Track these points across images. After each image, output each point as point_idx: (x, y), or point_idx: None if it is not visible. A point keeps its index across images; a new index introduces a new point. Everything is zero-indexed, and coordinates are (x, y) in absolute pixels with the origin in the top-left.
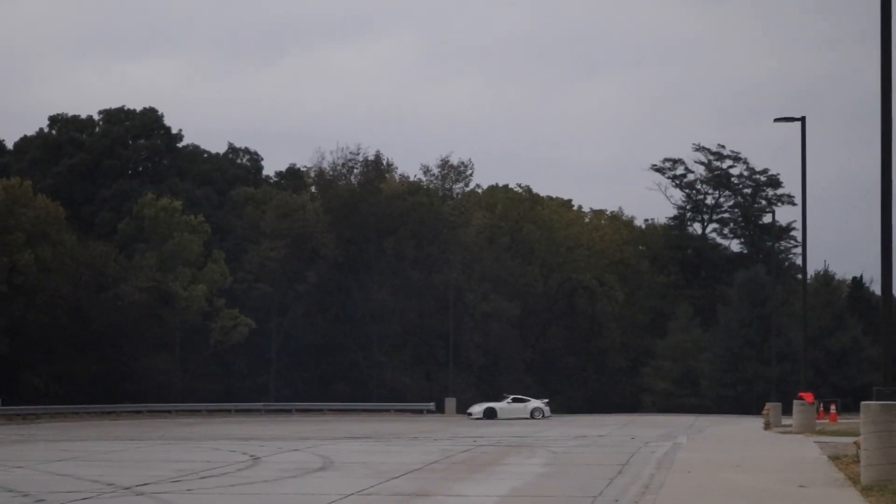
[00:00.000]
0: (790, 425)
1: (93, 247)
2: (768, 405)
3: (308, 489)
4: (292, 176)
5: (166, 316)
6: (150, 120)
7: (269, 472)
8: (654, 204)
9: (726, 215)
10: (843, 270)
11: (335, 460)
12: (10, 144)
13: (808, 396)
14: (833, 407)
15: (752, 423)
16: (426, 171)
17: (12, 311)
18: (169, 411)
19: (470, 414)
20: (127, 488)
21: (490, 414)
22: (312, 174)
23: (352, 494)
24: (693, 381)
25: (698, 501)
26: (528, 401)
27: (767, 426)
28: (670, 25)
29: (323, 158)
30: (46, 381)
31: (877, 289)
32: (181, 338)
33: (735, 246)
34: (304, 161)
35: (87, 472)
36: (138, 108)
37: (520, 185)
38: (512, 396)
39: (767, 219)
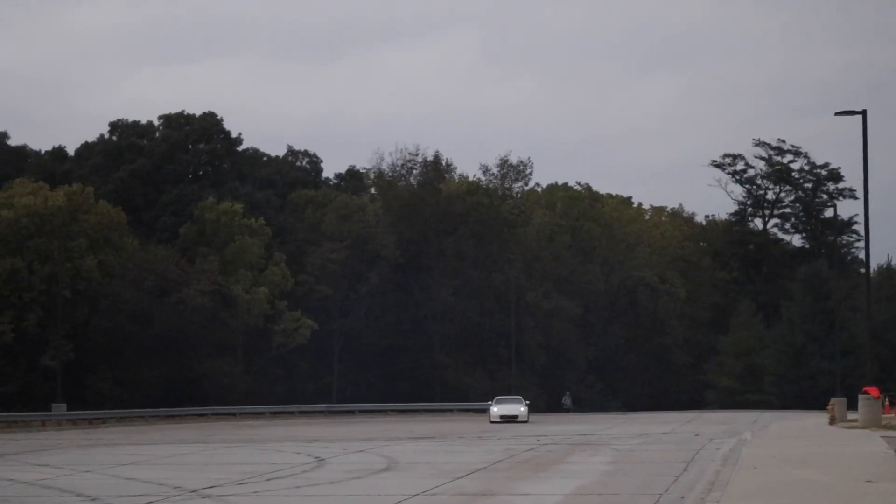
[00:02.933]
0: (856, 420)
1: (155, 251)
2: (833, 400)
3: (373, 490)
4: (352, 178)
5: (228, 319)
6: (209, 124)
7: (334, 474)
8: (714, 200)
9: (788, 210)
10: None
11: (399, 461)
12: (71, 151)
13: (874, 391)
14: None
15: (817, 419)
16: (485, 170)
17: (76, 317)
18: (233, 414)
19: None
20: (193, 491)
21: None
22: (372, 176)
23: (417, 495)
24: (756, 377)
25: (765, 498)
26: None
27: (832, 421)
28: (729, 20)
29: (382, 160)
30: (111, 385)
31: None
32: (244, 341)
33: (797, 241)
34: (363, 163)
35: (153, 476)
36: (198, 113)
37: (579, 183)
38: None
39: (829, 213)
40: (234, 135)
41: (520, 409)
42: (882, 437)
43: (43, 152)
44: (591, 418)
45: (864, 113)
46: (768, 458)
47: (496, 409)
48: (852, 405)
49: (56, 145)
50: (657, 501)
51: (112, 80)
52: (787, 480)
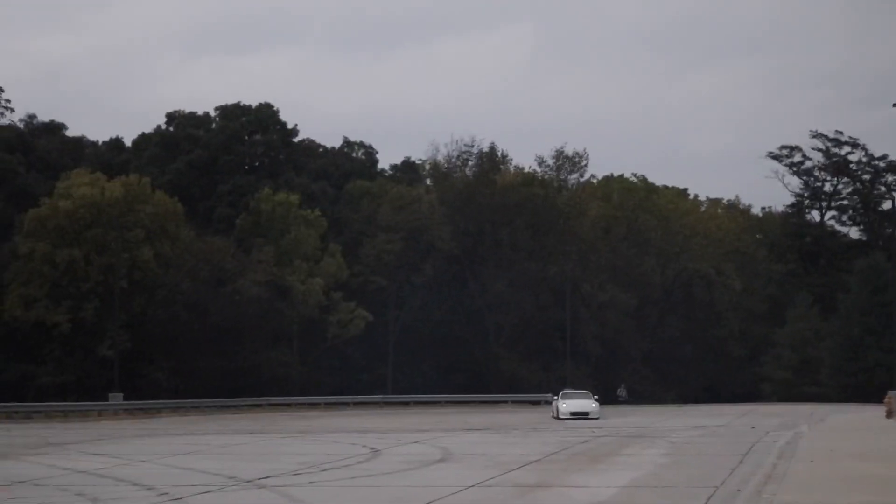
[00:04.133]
0: None
1: (211, 242)
2: (890, 394)
3: (429, 481)
4: (407, 169)
5: (284, 310)
6: (265, 115)
7: (390, 465)
8: (771, 192)
9: (845, 202)
10: None
11: (454, 452)
12: (128, 142)
13: None
14: None
15: (874, 412)
16: (541, 162)
17: (133, 307)
18: (288, 404)
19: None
20: (249, 481)
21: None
22: (427, 167)
23: (473, 486)
24: (813, 369)
25: (822, 490)
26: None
27: (890, 415)
28: (788, 10)
29: (438, 151)
30: (167, 375)
31: None
32: (299, 331)
33: (854, 233)
34: (418, 154)
35: (209, 466)
36: (254, 104)
37: (635, 175)
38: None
39: (887, 205)
40: (289, 126)
41: (591, 405)
42: None
43: (100, 143)
44: (645, 410)
45: None
46: (825, 452)
47: (565, 406)
48: None
49: (113, 136)
50: (714, 494)
51: (169, 72)
52: (845, 474)
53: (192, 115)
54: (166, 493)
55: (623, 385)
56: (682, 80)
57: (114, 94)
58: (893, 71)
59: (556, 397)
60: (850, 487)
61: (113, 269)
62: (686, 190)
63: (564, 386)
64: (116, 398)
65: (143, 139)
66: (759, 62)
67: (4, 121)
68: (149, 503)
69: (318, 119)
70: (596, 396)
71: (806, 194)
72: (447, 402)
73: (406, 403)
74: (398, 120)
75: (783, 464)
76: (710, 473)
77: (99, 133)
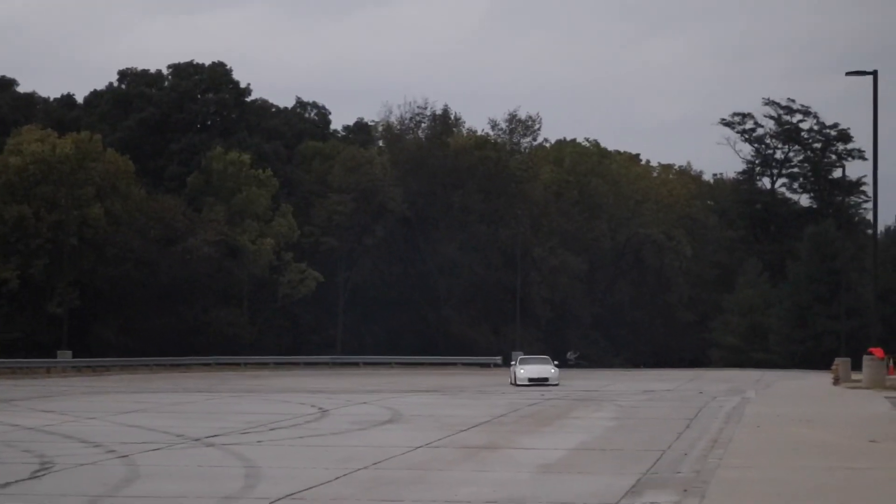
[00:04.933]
0: (860, 381)
1: (162, 200)
2: (837, 361)
3: (377, 441)
4: (360, 130)
5: (234, 269)
6: (218, 74)
7: (338, 425)
8: (723, 158)
9: (796, 170)
10: None
11: (403, 413)
12: (80, 99)
13: (879, 352)
14: None
15: (821, 379)
16: (494, 125)
17: (82, 265)
18: (237, 364)
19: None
20: (197, 439)
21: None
22: (380, 128)
23: (420, 447)
24: (761, 336)
25: (767, 456)
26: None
27: (836, 382)
28: None
29: (391, 113)
30: (116, 333)
31: None
32: (249, 291)
33: (804, 201)
34: (371, 115)
35: (157, 424)
36: (207, 63)
37: (588, 140)
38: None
39: (837, 173)
40: (242, 85)
41: (550, 370)
42: (886, 397)
43: (52, 99)
44: (595, 374)
45: (875, 74)
46: (771, 417)
47: (523, 371)
48: (856, 366)
49: (65, 93)
50: (660, 458)
51: (122, 29)
52: (790, 439)
53: (145, 72)
54: (114, 451)
55: (573, 349)
56: (637, 46)
57: (66, 51)
58: (848, 40)
59: (513, 363)
60: (795, 452)
61: (63, 226)
62: (638, 155)
63: (514, 349)
64: (65, 355)
65: (94, 96)
66: (716, 30)
67: None
68: (96, 460)
69: (272, 79)
70: (556, 362)
71: (757, 161)
72: (397, 363)
73: (356, 364)
74: (351, 81)
75: (730, 429)
76: (657, 437)
77: (50, 89)
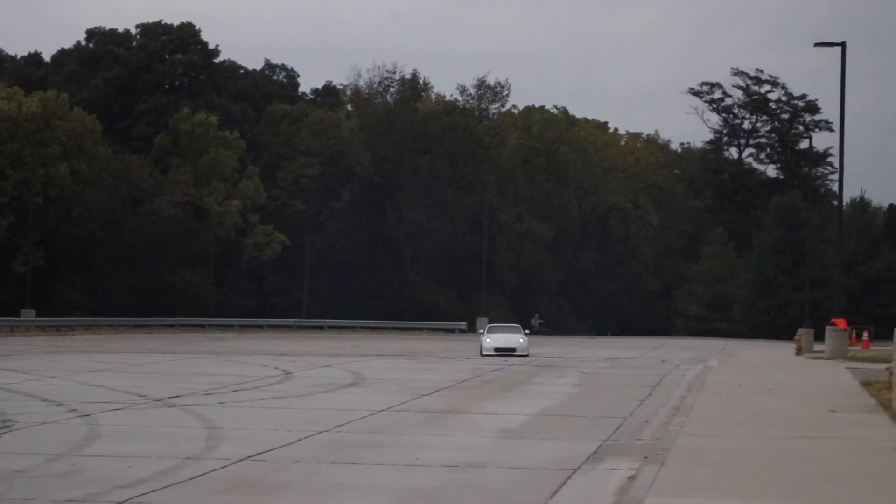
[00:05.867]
0: (822, 351)
1: (128, 161)
2: (801, 331)
3: (339, 404)
4: (328, 93)
5: (200, 231)
6: (187, 34)
7: (301, 387)
8: (690, 128)
9: (763, 140)
10: (880, 197)
11: (366, 377)
12: (47, 57)
13: (841, 323)
14: (866, 334)
15: (784, 349)
16: (462, 90)
17: (48, 224)
18: (202, 325)
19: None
20: (159, 400)
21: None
22: (349, 92)
23: (382, 410)
24: (725, 305)
25: (728, 424)
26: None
27: (799, 352)
28: None
29: (359, 76)
30: (81, 293)
31: None
32: (215, 253)
33: (771, 171)
34: (340, 79)
35: (119, 384)
36: (175, 23)
37: (556, 107)
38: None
39: (804, 144)
40: (211, 46)
41: (518, 340)
42: (847, 368)
43: (19, 57)
44: (559, 341)
45: (843, 45)
46: (733, 386)
47: (490, 341)
48: (820, 336)
49: (32, 51)
50: (622, 424)
51: None
52: (752, 408)
53: (113, 31)
54: (76, 410)
55: (537, 315)
56: (607, 14)
57: (34, 9)
58: (817, 12)
59: (481, 331)
60: (756, 421)
61: (28, 184)
62: (606, 124)
63: (480, 315)
64: (29, 314)
65: (62, 55)
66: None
67: None
68: (58, 419)
69: (240, 40)
70: (526, 331)
71: (725, 131)
72: (362, 327)
73: (320, 328)
74: (320, 44)
75: (692, 396)
76: (619, 404)
77: (17, 47)
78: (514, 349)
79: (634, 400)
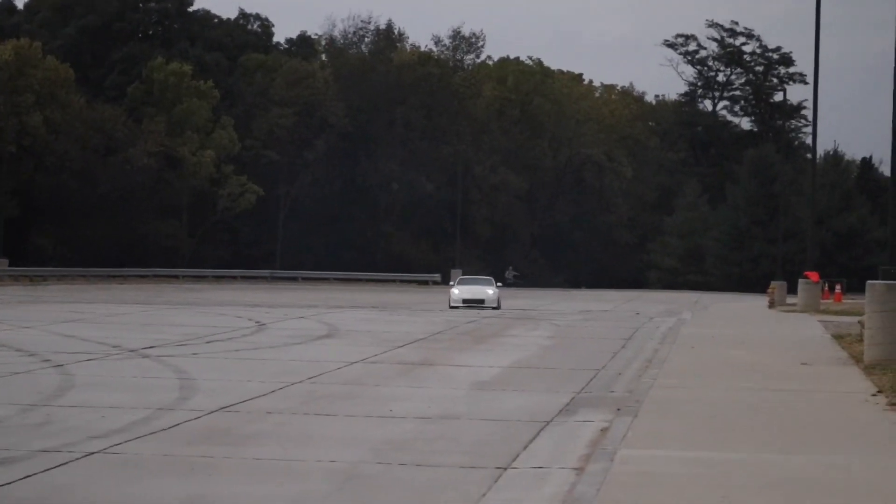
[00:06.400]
0: (795, 304)
1: (102, 110)
2: (773, 284)
3: (313, 356)
4: (303, 43)
5: (174, 181)
6: None
7: (275, 339)
8: (665, 80)
9: (737, 93)
10: (853, 151)
11: (340, 328)
12: (20, 4)
13: (814, 275)
14: (838, 287)
15: (757, 302)
16: (437, 41)
17: (21, 173)
18: (176, 276)
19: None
20: (132, 350)
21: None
22: (323, 42)
23: (356, 362)
24: (699, 258)
25: (701, 377)
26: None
27: (772, 305)
28: None
29: (334, 26)
30: (54, 242)
31: (886, 170)
32: (189, 203)
33: (745, 124)
34: (314, 28)
35: (93, 334)
36: None
37: (531, 59)
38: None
39: (779, 97)
40: None
41: (487, 291)
42: (819, 321)
43: None
44: (533, 293)
45: None
46: (706, 339)
47: (457, 292)
48: (793, 289)
49: None
50: (595, 376)
51: None
52: (724, 360)
53: None
54: (49, 360)
55: (511, 267)
56: None
57: None
58: None
59: (452, 283)
60: (728, 373)
61: (1, 133)
62: (581, 75)
63: (454, 267)
64: (2, 264)
65: (35, 2)
66: None
67: None
68: (30, 369)
69: None
70: (499, 283)
71: (699, 84)
72: (335, 279)
73: (294, 279)
74: None
75: (665, 349)
76: (592, 356)
77: None
78: (482, 300)
79: (608, 352)
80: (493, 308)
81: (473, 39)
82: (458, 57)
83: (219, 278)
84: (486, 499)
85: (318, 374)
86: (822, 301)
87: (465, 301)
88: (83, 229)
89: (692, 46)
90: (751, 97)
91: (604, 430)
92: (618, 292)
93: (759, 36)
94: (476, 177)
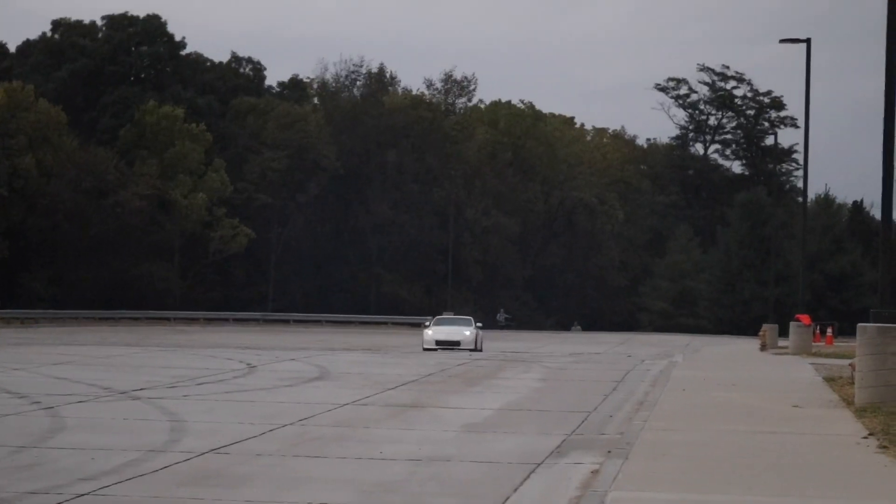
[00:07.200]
0: (786, 347)
1: (94, 152)
2: (765, 326)
3: (304, 398)
4: (295, 87)
5: (166, 224)
6: (152, 26)
7: (265, 381)
8: (656, 123)
9: (729, 136)
10: (844, 194)
11: (331, 371)
12: (12, 48)
13: (806, 318)
14: (830, 329)
15: (749, 345)
16: (429, 84)
17: (12, 215)
18: (167, 318)
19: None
20: (123, 392)
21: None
22: (315, 85)
23: (347, 404)
24: (691, 301)
25: (692, 419)
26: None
27: (764, 347)
28: None
29: (326, 70)
30: (45, 285)
31: (877, 213)
32: (181, 246)
33: (736, 167)
34: (307, 72)
35: (84, 376)
36: (142, 15)
37: (523, 102)
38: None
39: (770, 141)
40: (177, 38)
41: (464, 332)
42: (811, 363)
43: None
44: (524, 336)
45: (808, 42)
46: (698, 381)
47: (431, 333)
48: (784, 332)
49: None
50: (586, 419)
51: None
52: (715, 403)
53: (79, 23)
54: (39, 402)
55: (503, 310)
56: (573, 9)
57: None
58: (781, 8)
59: (427, 323)
60: (719, 415)
61: None
62: (573, 118)
63: (446, 309)
64: None
65: (27, 46)
66: None
67: None
68: (21, 411)
69: (207, 33)
70: (479, 324)
71: (690, 127)
72: (327, 321)
73: (286, 322)
74: (287, 36)
75: (656, 391)
76: (584, 399)
77: None
78: (457, 342)
79: (599, 395)
80: (472, 350)
81: (465, 83)
82: (450, 100)
83: (210, 320)
84: None
85: (308, 416)
86: (813, 344)
87: (438, 343)
88: (75, 271)
89: (683, 90)
90: (742, 140)
91: (594, 473)
92: (610, 335)
93: (749, 80)
94: (468, 219)
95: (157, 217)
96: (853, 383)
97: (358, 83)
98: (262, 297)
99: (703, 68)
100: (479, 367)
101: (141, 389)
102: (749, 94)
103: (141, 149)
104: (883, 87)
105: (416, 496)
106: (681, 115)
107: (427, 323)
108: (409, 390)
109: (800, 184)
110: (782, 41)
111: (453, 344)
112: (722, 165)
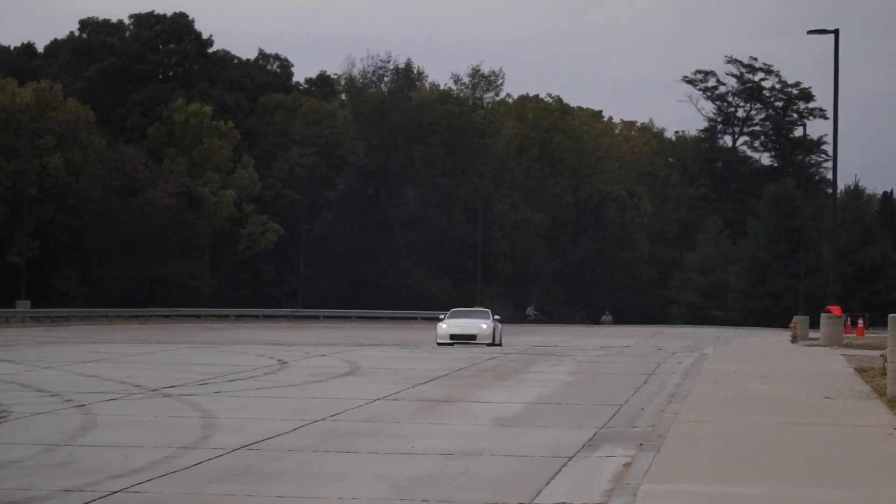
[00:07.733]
0: (817, 339)
1: (122, 151)
2: (796, 318)
3: (334, 393)
4: (322, 83)
5: (195, 221)
6: (180, 25)
7: (296, 377)
8: (685, 116)
9: (757, 128)
10: (874, 185)
11: (362, 366)
12: (40, 48)
13: (836, 310)
14: (861, 321)
15: (779, 337)
16: (457, 79)
17: (42, 215)
18: (197, 316)
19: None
20: (154, 390)
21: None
22: (343, 81)
23: (378, 399)
24: (721, 293)
25: (723, 411)
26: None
27: (794, 339)
28: None
29: (353, 66)
30: (76, 284)
31: None
32: (210, 243)
33: (765, 159)
34: (334, 68)
35: (114, 374)
36: (169, 13)
37: (550, 96)
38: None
39: (798, 132)
40: (204, 36)
41: (480, 325)
42: (842, 355)
43: (12, 48)
44: (554, 330)
45: (836, 32)
46: (728, 373)
47: (445, 327)
48: (815, 324)
49: (25, 41)
50: (618, 412)
51: None
52: (746, 395)
53: (106, 22)
54: (71, 400)
55: (532, 304)
56: (602, 3)
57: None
58: None
59: (442, 316)
60: (751, 407)
61: (22, 175)
62: (601, 112)
63: (475, 304)
64: (24, 305)
65: (55, 45)
66: None
67: None
68: (53, 409)
69: (234, 30)
70: (496, 316)
71: (719, 119)
72: (357, 317)
73: (316, 318)
74: (314, 33)
75: (687, 384)
76: (614, 392)
77: (10, 38)
78: (473, 336)
79: (630, 388)
80: (489, 345)
81: (493, 77)
82: (478, 95)
83: (240, 317)
84: None
85: (339, 411)
86: (844, 335)
87: (452, 337)
88: (105, 270)
89: (711, 82)
90: (771, 132)
91: (627, 465)
92: (639, 328)
93: (778, 71)
94: (497, 214)
95: (186, 215)
96: (885, 374)
97: (385, 79)
98: (292, 294)
99: (731, 60)
100: (510, 362)
101: (172, 387)
102: (777, 86)
103: (169, 147)
104: None
105: (447, 491)
106: (709, 108)
107: (442, 316)
108: (439, 385)
109: (829, 175)
110: (810, 32)
111: (469, 338)
112: (751, 157)
